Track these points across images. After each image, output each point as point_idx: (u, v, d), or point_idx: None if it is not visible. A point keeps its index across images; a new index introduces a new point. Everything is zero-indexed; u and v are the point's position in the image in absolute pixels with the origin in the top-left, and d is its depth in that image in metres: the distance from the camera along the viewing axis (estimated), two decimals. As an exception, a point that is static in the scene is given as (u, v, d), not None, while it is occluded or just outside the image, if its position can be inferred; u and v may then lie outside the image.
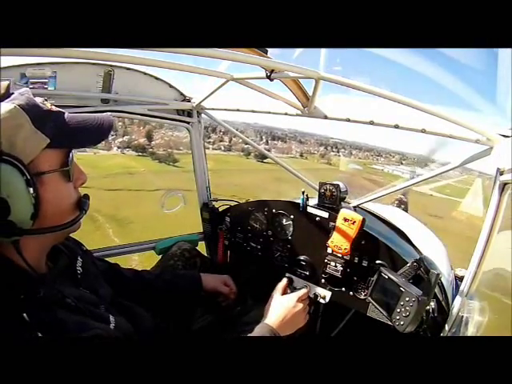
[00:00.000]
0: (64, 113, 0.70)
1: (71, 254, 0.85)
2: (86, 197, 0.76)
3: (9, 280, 0.63)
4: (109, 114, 0.76)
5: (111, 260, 1.23)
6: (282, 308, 1.12)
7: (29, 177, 0.60)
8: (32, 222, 0.63)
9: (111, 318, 0.77)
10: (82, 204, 0.74)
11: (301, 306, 1.15)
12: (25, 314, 0.57)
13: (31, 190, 0.61)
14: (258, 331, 1.01)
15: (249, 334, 1.00)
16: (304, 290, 1.27)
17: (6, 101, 0.61)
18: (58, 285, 0.71)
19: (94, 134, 0.73)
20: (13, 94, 0.63)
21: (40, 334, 0.56)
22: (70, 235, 0.85)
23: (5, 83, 0.62)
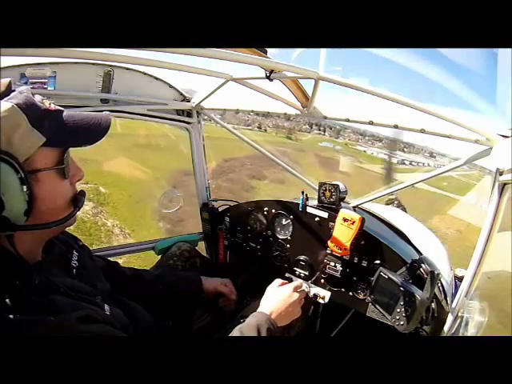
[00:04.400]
0: (63, 111, 0.70)
1: (67, 248, 0.86)
2: (82, 193, 0.77)
3: (4, 267, 0.64)
4: (108, 113, 0.77)
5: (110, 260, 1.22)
6: (277, 297, 1.12)
7: (23, 175, 0.61)
8: (26, 218, 0.64)
9: (106, 307, 0.76)
10: (76, 201, 0.74)
11: (296, 295, 1.14)
12: (19, 298, 0.59)
13: (25, 187, 0.62)
14: (253, 320, 1.00)
15: (245, 324, 0.99)
16: (299, 281, 1.26)
17: (5, 99, 0.61)
18: (52, 275, 0.72)
19: (91, 134, 0.73)
20: (14, 91, 0.63)
21: (33, 316, 0.58)
22: (67, 230, 0.86)
23: (6, 81, 0.62)
